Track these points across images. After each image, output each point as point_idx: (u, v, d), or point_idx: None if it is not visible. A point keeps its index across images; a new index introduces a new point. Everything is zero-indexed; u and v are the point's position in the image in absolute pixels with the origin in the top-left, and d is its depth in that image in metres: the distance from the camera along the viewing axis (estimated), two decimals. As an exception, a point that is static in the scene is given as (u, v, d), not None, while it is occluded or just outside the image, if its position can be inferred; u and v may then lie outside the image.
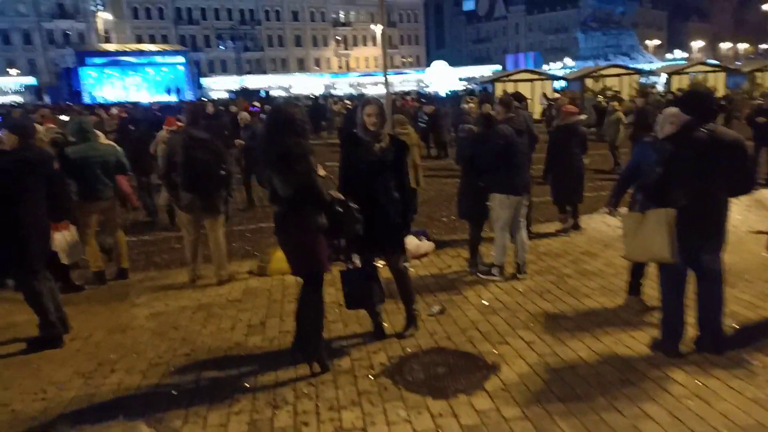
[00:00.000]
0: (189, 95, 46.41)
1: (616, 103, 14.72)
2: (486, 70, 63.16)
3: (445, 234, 7.60)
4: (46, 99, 45.57)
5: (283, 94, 57.05)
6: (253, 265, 6.26)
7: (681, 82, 26.17)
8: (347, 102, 25.24)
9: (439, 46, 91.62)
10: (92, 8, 60.88)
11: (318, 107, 25.71)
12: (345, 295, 4.02)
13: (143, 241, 8.15)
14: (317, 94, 50.14)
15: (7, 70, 58.21)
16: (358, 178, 3.85)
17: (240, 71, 65.73)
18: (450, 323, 4.47)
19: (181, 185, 5.41)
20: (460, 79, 59.26)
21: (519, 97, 7.43)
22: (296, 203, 3.46)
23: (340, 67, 77.93)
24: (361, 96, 39.98)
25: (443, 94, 41.90)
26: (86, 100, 41.20)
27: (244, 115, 9.99)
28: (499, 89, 24.48)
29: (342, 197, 3.61)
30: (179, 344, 4.32)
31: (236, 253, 7.07)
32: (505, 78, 27.25)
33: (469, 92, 32.69)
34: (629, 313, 4.50)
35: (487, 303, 4.87)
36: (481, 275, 5.53)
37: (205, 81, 58.95)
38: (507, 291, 5.16)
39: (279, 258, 6.17)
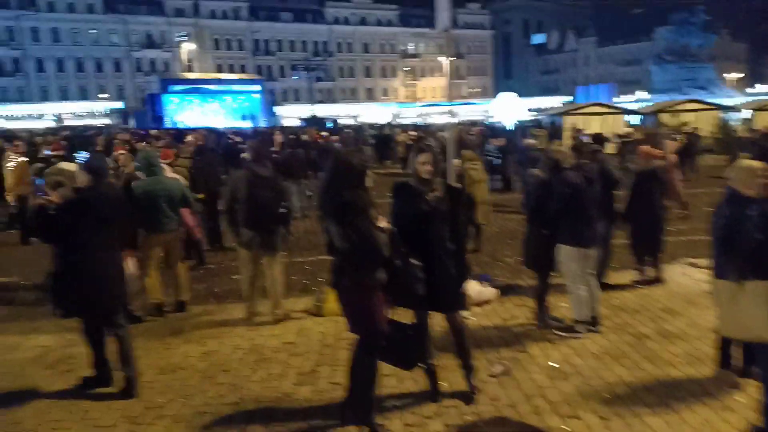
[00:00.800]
0: (263, 122, 47.78)
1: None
2: (555, 102, 61.94)
3: (510, 277, 7.15)
4: (132, 122, 48.26)
5: (350, 122, 58.00)
6: (309, 303, 6.06)
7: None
8: (412, 133, 25.12)
9: (507, 76, 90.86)
10: (177, 39, 64.47)
11: (383, 137, 25.77)
12: (384, 348, 3.69)
13: (206, 270, 8.17)
14: (383, 122, 50.64)
15: (99, 95, 62.25)
16: (411, 230, 3.58)
17: (311, 100, 67.51)
18: (514, 387, 4.06)
19: (242, 222, 5.33)
20: (528, 110, 58.36)
21: (598, 139, 6.95)
22: (353, 257, 3.23)
23: (407, 97, 78.76)
24: (427, 126, 40.00)
25: (509, 126, 41.26)
26: (167, 124, 43.18)
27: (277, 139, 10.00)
28: (568, 122, 23.75)
29: (404, 252, 3.35)
30: (227, 390, 4.13)
31: (294, 287, 6.92)
32: (575, 111, 26.43)
33: (537, 124, 31.99)
34: (720, 390, 3.94)
35: (556, 365, 4.42)
36: (558, 332, 5.05)
37: (278, 109, 60.85)
38: (578, 352, 4.68)
39: (335, 298, 5.97)
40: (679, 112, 24.76)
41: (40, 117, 55.69)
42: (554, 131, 23.20)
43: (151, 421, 3.72)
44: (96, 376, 4.20)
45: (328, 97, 73.74)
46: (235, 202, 5.35)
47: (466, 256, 3.82)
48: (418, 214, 3.59)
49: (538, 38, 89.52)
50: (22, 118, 54.64)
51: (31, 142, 15.93)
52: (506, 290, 6.38)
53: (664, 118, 24.72)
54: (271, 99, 58.87)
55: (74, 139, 20.53)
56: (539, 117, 45.50)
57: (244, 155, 10.35)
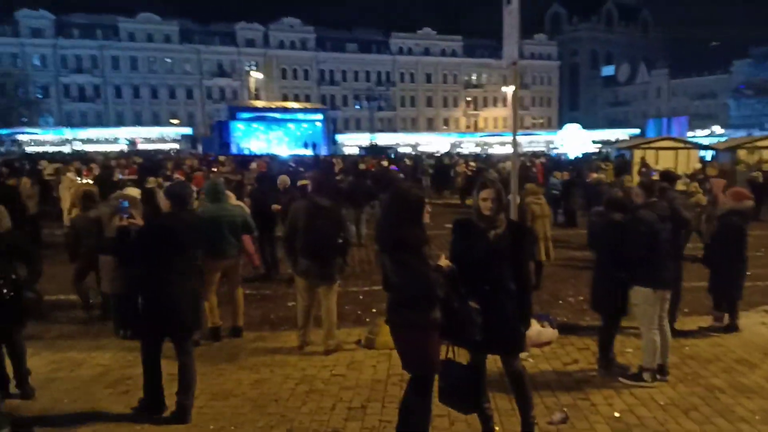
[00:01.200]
0: (324, 150, 48.89)
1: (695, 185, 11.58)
2: (622, 134, 60.37)
3: (571, 317, 6.91)
4: (200, 148, 50.51)
5: (410, 151, 58.45)
6: (361, 334, 6.05)
7: None
8: (471, 163, 24.97)
9: (573, 108, 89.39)
10: (247, 68, 67.43)
11: (442, 167, 25.68)
12: (440, 388, 3.59)
13: (262, 296, 8.33)
14: (442, 152, 50.69)
15: (170, 120, 65.64)
16: (471, 269, 3.47)
17: (372, 129, 68.70)
18: (573, 437, 3.88)
19: (300, 251, 5.41)
20: (594, 142, 57.06)
21: (668, 176, 6.67)
22: (408, 295, 3.20)
23: (468, 127, 78.96)
24: (487, 157, 39.75)
25: (573, 157, 40.40)
26: (233, 150, 44.90)
27: (283, 179, 10.07)
28: (637, 156, 22.99)
29: (460, 293, 3.29)
30: (277, 421, 4.14)
31: (347, 317, 6.93)
32: (645, 145, 25.57)
33: (604, 157, 31.16)
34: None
35: (618, 415, 4.20)
36: (623, 380, 4.80)
37: (339, 137, 62.24)
38: (644, 402, 4.43)
39: (387, 331, 5.94)
40: (759, 148, 23.49)
41: (114, 141, 59.27)
42: (622, 165, 22.50)
43: (202, 447, 3.77)
44: (149, 401, 4.27)
45: (389, 126, 74.87)
46: (295, 231, 5.45)
47: (529, 297, 3.68)
48: (478, 253, 3.48)
49: (608, 70, 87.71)
50: (98, 141, 58.30)
51: (105, 165, 16.86)
52: (567, 330, 6.15)
53: (742, 154, 23.53)
54: (333, 127, 60.27)
55: (145, 163, 21.61)
56: (606, 150, 44.38)
57: (300, 183, 10.63)
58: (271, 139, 51.60)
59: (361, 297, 8.21)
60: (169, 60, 67.12)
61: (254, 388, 4.77)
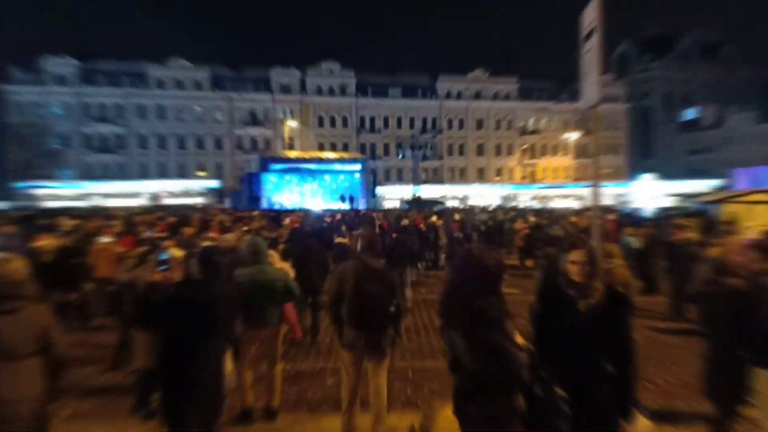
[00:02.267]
0: (362, 203, 49.44)
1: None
2: (704, 186, 59.03)
3: (663, 403, 6.53)
4: (227, 202, 51.77)
5: (457, 204, 58.53)
6: (415, 419, 5.82)
7: None
8: (531, 218, 24.64)
9: (645, 156, 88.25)
10: (281, 116, 69.60)
11: (496, 223, 25.29)
12: None
13: (297, 371, 8.21)
14: (494, 205, 50.50)
15: (197, 172, 67.78)
16: (556, 348, 3.29)
17: (416, 180, 69.28)
18: None
19: (347, 320, 5.31)
20: (671, 195, 55.96)
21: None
22: (485, 380, 3.04)
23: (523, 178, 78.61)
24: (548, 211, 39.21)
25: (649, 213, 39.49)
26: (264, 204, 45.88)
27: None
28: (726, 212, 22.31)
29: (545, 377, 3.12)
30: None
31: (395, 398, 6.74)
32: (734, 198, 24.83)
33: (685, 213, 30.36)
34: None
35: None
36: None
37: (380, 189, 62.86)
38: None
39: (446, 417, 5.72)
40: None
41: (136, 195, 61.48)
42: (708, 222, 21.83)
43: None
44: None
45: (434, 177, 75.32)
46: (340, 297, 5.36)
47: (632, 382, 3.44)
48: (567, 327, 3.30)
49: (689, 113, 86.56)
50: (118, 195, 60.59)
51: (128, 221, 17.34)
52: (658, 418, 5.79)
53: None
54: (373, 179, 61.05)
55: (180, 220, 22.16)
56: (687, 204, 43.31)
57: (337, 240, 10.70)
58: (305, 192, 52.55)
59: (410, 374, 8.00)
60: (198, 108, 69.98)
61: (293, 482, 4.61)
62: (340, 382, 6.91)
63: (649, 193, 54.49)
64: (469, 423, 3.20)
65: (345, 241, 11.60)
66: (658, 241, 15.03)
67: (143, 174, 67.57)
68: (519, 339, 3.15)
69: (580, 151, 78.65)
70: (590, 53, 5.68)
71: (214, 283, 4.24)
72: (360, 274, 5.28)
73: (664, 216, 28.30)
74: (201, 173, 67.76)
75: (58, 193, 60.93)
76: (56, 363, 3.88)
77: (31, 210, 34.42)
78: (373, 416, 5.50)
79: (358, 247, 5.69)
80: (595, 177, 6.08)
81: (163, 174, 68.04)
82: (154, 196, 61.21)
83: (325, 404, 6.81)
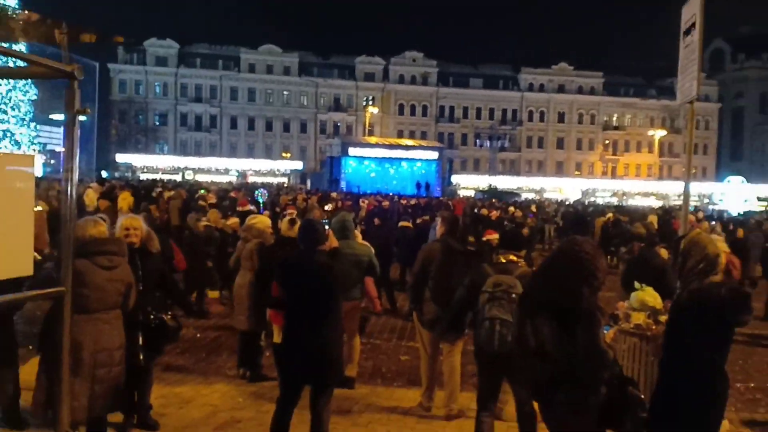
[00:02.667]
0: (437, 191, 49.23)
1: None
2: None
3: (741, 407, 6.29)
4: (308, 183, 52.91)
5: (533, 196, 57.35)
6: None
7: None
8: (609, 214, 23.54)
9: (735, 158, 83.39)
10: (363, 103, 70.24)
11: (578, 217, 24.36)
12: None
13: (373, 346, 8.38)
14: (572, 199, 49.12)
15: (282, 154, 69.51)
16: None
17: (492, 171, 68.33)
18: None
19: (432, 297, 5.38)
20: (760, 200, 52.82)
21: None
22: (570, 371, 3.01)
23: (604, 173, 76.03)
24: (635, 209, 37.75)
25: (735, 214, 37.53)
26: (343, 187, 46.53)
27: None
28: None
29: (626, 377, 3.07)
30: (397, 489, 4.08)
31: (466, 380, 6.75)
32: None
33: (775, 217, 28.66)
34: None
35: None
36: None
37: (455, 178, 62.40)
38: None
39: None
40: None
41: (225, 172, 63.69)
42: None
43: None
44: None
45: (511, 169, 74.00)
46: (425, 277, 5.43)
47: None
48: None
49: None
50: (209, 171, 62.97)
51: (221, 195, 18.04)
52: (740, 425, 5.58)
53: None
54: (449, 167, 60.62)
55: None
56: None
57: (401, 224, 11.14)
58: (383, 178, 52.90)
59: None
60: (286, 92, 71.62)
61: (370, 448, 4.75)
62: (414, 359, 7.04)
63: (737, 196, 51.56)
64: (552, 409, 3.16)
65: (409, 225, 12.27)
66: (752, 245, 14.21)
67: (232, 152, 69.85)
68: (610, 335, 3.12)
69: (665, 149, 75.24)
70: (689, 48, 5.50)
71: (310, 254, 4.30)
72: (445, 256, 5.33)
73: (759, 220, 26.75)
74: (285, 154, 69.40)
75: (154, 165, 63.90)
76: (128, 315, 4.21)
77: (135, 180, 36.31)
78: (446, 394, 5.56)
79: (441, 230, 5.74)
80: (686, 174, 5.87)
81: (250, 153, 70.15)
82: (242, 174, 63.21)
83: (399, 378, 6.94)
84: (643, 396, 3.17)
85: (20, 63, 3.49)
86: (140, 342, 4.51)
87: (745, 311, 3.21)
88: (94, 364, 3.82)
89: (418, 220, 13.53)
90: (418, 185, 50.11)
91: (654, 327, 5.16)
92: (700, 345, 3.21)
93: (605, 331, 3.60)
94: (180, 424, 5.05)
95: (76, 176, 3.53)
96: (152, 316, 4.54)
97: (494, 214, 19.16)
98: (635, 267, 6.50)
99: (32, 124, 36.58)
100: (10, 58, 3.44)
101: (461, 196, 46.92)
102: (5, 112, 34.66)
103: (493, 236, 7.47)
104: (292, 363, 4.16)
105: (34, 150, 35.94)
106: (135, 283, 4.19)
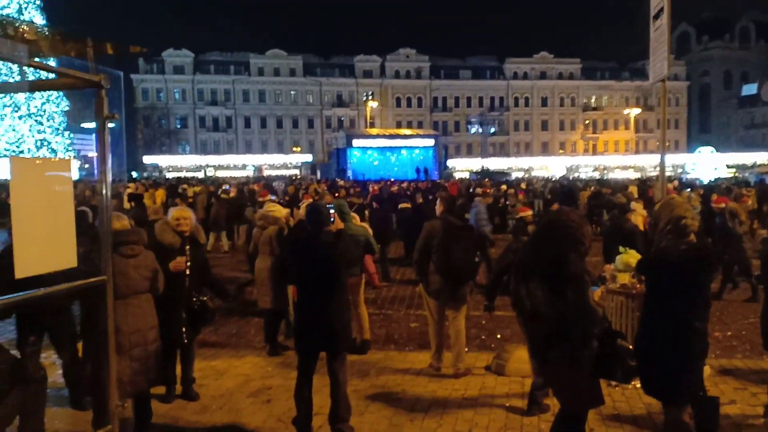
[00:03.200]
0: (435, 175, 49.13)
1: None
2: (762, 158, 55.06)
3: (720, 354, 6.28)
4: (318, 174, 52.88)
5: (522, 175, 57.11)
6: (489, 359, 5.88)
7: None
8: (591, 188, 23.49)
9: (704, 130, 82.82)
10: (363, 98, 69.98)
11: (567, 190, 24.14)
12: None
13: (385, 315, 8.42)
14: (558, 176, 48.90)
15: (292, 148, 69.41)
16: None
17: (484, 154, 68.08)
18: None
19: (437, 270, 5.39)
20: (728, 167, 52.47)
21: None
22: (563, 328, 3.02)
23: (585, 150, 75.82)
24: (613, 182, 37.54)
25: (706, 182, 37.28)
26: (350, 176, 46.47)
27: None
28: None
29: (614, 331, 3.07)
30: (414, 441, 4.11)
31: (471, 342, 6.77)
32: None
33: (744, 183, 28.52)
34: None
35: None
36: None
37: (450, 162, 62.29)
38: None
39: (518, 358, 5.72)
40: None
41: (243, 167, 63.64)
42: (764, 191, 20.37)
43: (342, 461, 3.82)
44: (302, 418, 4.25)
45: (501, 151, 73.84)
46: (428, 251, 5.43)
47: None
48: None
49: (749, 88, 79.99)
50: (228, 167, 62.95)
51: (241, 189, 18.19)
52: (719, 370, 5.59)
53: None
54: (445, 153, 60.44)
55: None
56: (743, 175, 40.60)
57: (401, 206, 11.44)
58: (384, 165, 52.86)
59: (483, 322, 8.02)
60: (293, 92, 71.43)
61: (388, 406, 4.77)
62: (423, 325, 7.07)
63: (708, 165, 51.26)
64: (548, 366, 3.19)
65: (408, 206, 12.56)
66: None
67: (248, 149, 69.76)
68: (598, 294, 3.11)
69: (640, 125, 74.85)
70: (659, 31, 5.45)
71: (318, 234, 4.26)
72: (446, 232, 5.33)
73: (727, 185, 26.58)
74: (296, 149, 69.29)
75: (178, 164, 63.89)
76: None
77: (162, 179, 36.32)
78: (454, 355, 5.58)
79: (441, 208, 5.71)
80: (662, 146, 5.83)
81: (264, 149, 70.03)
82: (258, 169, 63.15)
83: (410, 343, 6.96)
84: (631, 347, 3.17)
85: (51, 76, 3.47)
86: (184, 322, 4.57)
87: (707, 269, 3.15)
88: (130, 344, 3.85)
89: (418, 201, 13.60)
90: (417, 170, 49.99)
91: (638, 286, 5.17)
92: (671, 302, 3.15)
93: (593, 290, 3.60)
94: (217, 393, 5.09)
95: (110, 177, 3.54)
96: (195, 299, 4.62)
97: (487, 192, 19.09)
98: (610, 233, 6.50)
99: (66, 133, 36.55)
100: (42, 72, 3.43)
101: (456, 178, 46.79)
102: (41, 123, 34.69)
103: (527, 213, 7.41)
104: (305, 332, 4.19)
105: (70, 156, 36.00)
106: (185, 268, 4.36)
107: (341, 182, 28.21)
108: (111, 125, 3.63)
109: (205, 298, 4.75)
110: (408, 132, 59.03)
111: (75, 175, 28.83)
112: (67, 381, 4.74)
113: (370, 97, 69.93)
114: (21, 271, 2.94)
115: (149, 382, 4.06)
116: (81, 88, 3.39)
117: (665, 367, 3.15)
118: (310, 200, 10.60)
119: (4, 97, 33.68)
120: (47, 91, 34.86)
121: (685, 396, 3.21)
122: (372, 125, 65.67)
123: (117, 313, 3.69)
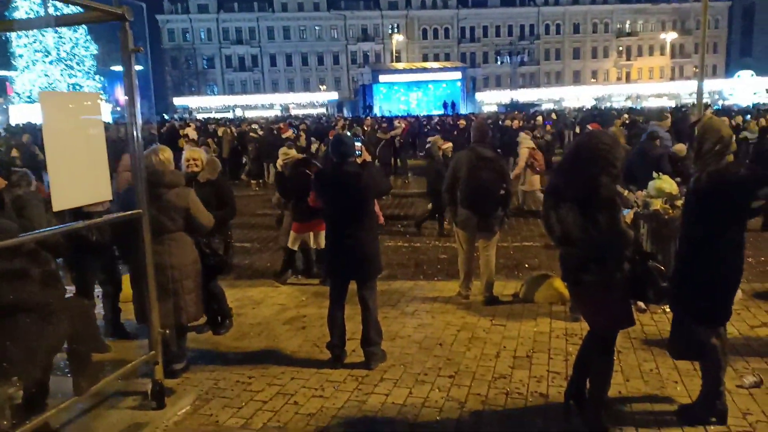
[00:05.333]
0: (463, 109, 48.16)
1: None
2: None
3: (752, 278, 6.18)
4: (345, 112, 52.28)
5: (552, 106, 55.49)
6: (518, 287, 5.91)
7: None
8: (625, 116, 22.72)
9: (744, 54, 78.32)
10: (389, 31, 67.86)
11: (598, 113, 23.47)
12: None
13: (414, 248, 8.50)
14: (588, 106, 47.29)
15: (319, 86, 68.42)
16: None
17: (513, 85, 66.04)
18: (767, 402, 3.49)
19: (461, 201, 5.35)
20: (768, 91, 49.91)
21: None
22: (595, 253, 2.97)
23: (618, 78, 72.58)
24: (649, 110, 36.22)
25: (744, 106, 35.75)
26: (376, 112, 45.89)
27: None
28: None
29: (647, 252, 3.02)
30: (443, 364, 4.20)
31: (499, 271, 6.78)
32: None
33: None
34: None
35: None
36: None
37: (478, 95, 60.72)
38: None
39: (548, 285, 5.74)
40: None
41: (270, 107, 63.23)
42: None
43: (377, 382, 3.96)
44: (336, 343, 4.32)
45: (531, 82, 71.22)
46: (456, 181, 5.38)
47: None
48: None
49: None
50: (256, 107, 62.62)
51: (269, 128, 18.22)
52: (750, 293, 5.51)
53: None
54: (473, 85, 58.89)
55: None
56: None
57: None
58: (411, 100, 51.99)
59: (511, 252, 8.04)
60: (317, 27, 69.45)
61: (418, 332, 4.87)
62: (451, 256, 7.11)
63: (747, 89, 48.85)
64: (581, 289, 3.16)
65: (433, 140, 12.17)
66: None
67: (275, 88, 68.93)
68: (629, 217, 3.05)
69: (676, 51, 71.08)
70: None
71: (343, 165, 4.17)
72: (473, 162, 5.24)
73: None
74: (322, 87, 68.27)
75: (207, 105, 63.85)
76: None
77: (193, 119, 36.52)
78: (482, 282, 5.62)
79: (472, 137, 5.60)
80: (700, 70, 5.53)
81: (291, 88, 69.16)
82: (285, 108, 62.70)
83: (439, 274, 7.05)
84: (663, 267, 3.13)
85: (75, 10, 3.43)
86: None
87: (764, 187, 3.09)
88: (168, 280, 3.88)
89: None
90: (445, 104, 49.08)
91: (671, 211, 5.05)
92: (719, 223, 3.10)
93: (624, 214, 3.52)
94: (255, 321, 5.27)
95: (139, 116, 3.52)
96: (208, 251, 4.40)
97: (516, 123, 18.68)
98: (636, 157, 6.28)
99: (96, 77, 36.76)
100: (66, 5, 3.39)
101: (484, 111, 45.76)
102: (72, 68, 34.90)
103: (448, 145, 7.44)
104: (335, 261, 4.24)
105: (101, 98, 36.34)
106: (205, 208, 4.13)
107: (368, 120, 27.91)
108: (138, 68, 3.59)
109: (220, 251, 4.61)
110: (435, 65, 57.54)
111: (108, 117, 29.15)
112: (112, 312, 4.96)
113: (396, 30, 67.77)
114: (58, 204, 3.01)
115: (192, 316, 4.10)
116: (105, 21, 3.36)
117: (700, 288, 3.13)
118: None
119: (35, 42, 33.83)
120: (75, 34, 34.83)
121: (718, 318, 3.20)
122: (398, 59, 64.09)
123: (154, 250, 3.72)
